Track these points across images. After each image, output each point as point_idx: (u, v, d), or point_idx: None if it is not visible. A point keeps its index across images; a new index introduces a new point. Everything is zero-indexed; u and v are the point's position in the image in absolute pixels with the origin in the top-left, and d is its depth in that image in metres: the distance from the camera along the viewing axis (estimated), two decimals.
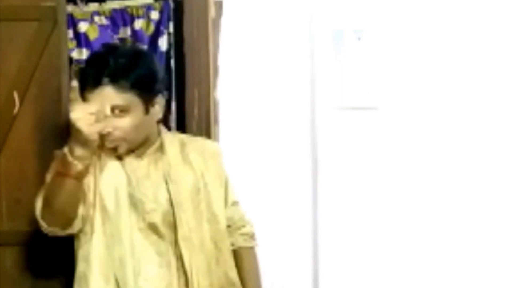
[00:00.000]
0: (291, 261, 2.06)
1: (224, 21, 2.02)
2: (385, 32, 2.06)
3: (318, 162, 2.08)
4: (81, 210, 1.53)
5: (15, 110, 1.85)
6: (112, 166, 1.58)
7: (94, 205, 1.56)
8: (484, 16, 2.05)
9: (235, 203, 1.68)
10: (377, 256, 2.07)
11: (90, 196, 1.56)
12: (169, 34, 2.01)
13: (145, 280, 1.53)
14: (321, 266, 2.06)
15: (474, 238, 2.07)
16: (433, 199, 2.08)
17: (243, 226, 1.68)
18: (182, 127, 1.98)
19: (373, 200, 2.07)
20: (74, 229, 1.54)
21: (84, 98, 1.49)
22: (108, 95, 1.47)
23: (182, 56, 1.94)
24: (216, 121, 1.99)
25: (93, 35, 2.01)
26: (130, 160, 1.58)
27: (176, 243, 1.56)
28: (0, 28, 1.83)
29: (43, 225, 1.53)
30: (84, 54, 2.01)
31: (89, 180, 1.55)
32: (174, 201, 1.57)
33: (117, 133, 1.50)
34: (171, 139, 1.65)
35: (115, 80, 1.48)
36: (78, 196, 1.51)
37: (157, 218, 1.56)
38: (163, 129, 1.66)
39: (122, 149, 1.54)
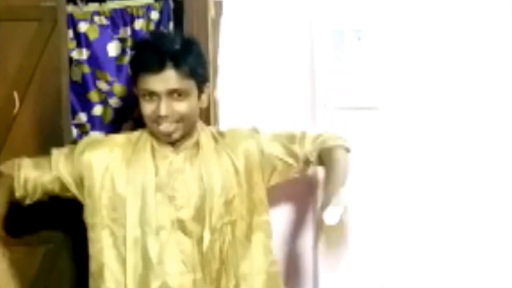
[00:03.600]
0: (291, 263, 2.06)
1: (224, 21, 2.02)
2: (385, 32, 2.06)
3: None
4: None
5: (15, 110, 1.85)
6: (142, 160, 1.58)
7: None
8: (484, 16, 2.05)
9: (281, 137, 1.75)
10: (377, 255, 2.07)
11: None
12: None
13: (168, 275, 1.53)
14: (321, 266, 2.06)
15: (475, 239, 2.07)
16: (433, 199, 2.07)
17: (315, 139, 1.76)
18: None
19: (373, 200, 2.07)
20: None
21: (142, 81, 1.51)
22: (171, 79, 1.49)
23: None
24: (216, 121, 1.99)
25: (93, 35, 2.02)
26: (165, 154, 1.59)
27: (201, 240, 1.56)
28: (0, 28, 1.84)
29: None
30: (84, 54, 2.02)
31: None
32: (207, 198, 1.57)
33: (175, 116, 1.52)
34: (206, 134, 1.66)
35: (178, 64, 1.50)
36: None
37: (187, 214, 1.56)
38: (199, 123, 1.67)
39: (177, 134, 1.55)
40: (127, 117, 2.05)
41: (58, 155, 1.63)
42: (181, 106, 1.52)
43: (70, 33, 2.00)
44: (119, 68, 2.04)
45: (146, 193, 1.56)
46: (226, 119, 2.02)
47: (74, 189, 1.61)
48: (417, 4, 2.06)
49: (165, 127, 1.53)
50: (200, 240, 1.57)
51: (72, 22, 2.00)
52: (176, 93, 1.51)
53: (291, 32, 2.07)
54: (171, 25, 2.02)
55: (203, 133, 1.65)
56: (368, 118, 2.08)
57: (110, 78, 2.03)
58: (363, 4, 2.06)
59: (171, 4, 2.02)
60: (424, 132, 2.08)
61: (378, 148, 2.08)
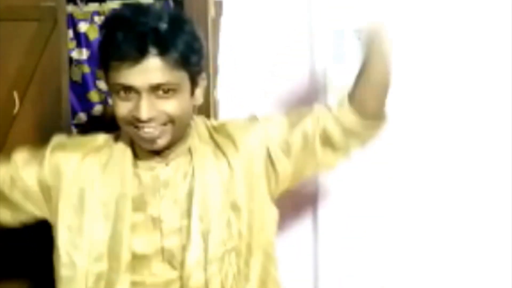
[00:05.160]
0: (291, 263, 2.06)
1: (224, 21, 2.02)
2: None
3: None
4: None
5: (15, 110, 1.86)
6: (118, 171, 1.21)
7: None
8: (485, 17, 2.05)
9: (291, 123, 1.31)
10: (377, 256, 2.07)
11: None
12: None
13: None
14: (320, 266, 2.06)
15: (475, 241, 2.07)
16: (433, 200, 2.07)
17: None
18: None
19: (373, 200, 2.07)
20: None
21: (115, 73, 1.12)
22: (155, 70, 1.11)
23: None
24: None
25: (93, 35, 2.02)
26: (149, 165, 1.24)
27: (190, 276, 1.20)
28: (0, 28, 1.84)
29: None
30: (84, 54, 2.01)
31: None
32: (203, 220, 1.21)
33: (162, 119, 1.15)
34: (200, 134, 1.29)
35: (165, 50, 1.11)
36: None
37: (177, 242, 1.22)
38: (193, 122, 1.30)
39: (163, 141, 1.18)
40: None
41: (21, 152, 1.31)
42: (169, 106, 1.14)
43: (70, 33, 2.00)
44: None
45: (119, 215, 1.19)
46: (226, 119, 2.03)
47: (37, 199, 1.26)
48: (417, 4, 2.06)
49: (147, 132, 1.15)
50: (189, 276, 1.20)
51: (72, 22, 2.00)
52: (161, 89, 1.13)
53: (291, 32, 2.07)
54: None
55: (196, 134, 1.28)
56: None
57: None
58: (363, 4, 2.06)
59: (171, 4, 2.02)
60: (424, 132, 2.08)
61: (378, 148, 2.07)
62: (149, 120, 1.14)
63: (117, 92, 1.15)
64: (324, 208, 2.07)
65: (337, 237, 2.07)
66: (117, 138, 1.29)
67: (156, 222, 1.21)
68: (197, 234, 1.20)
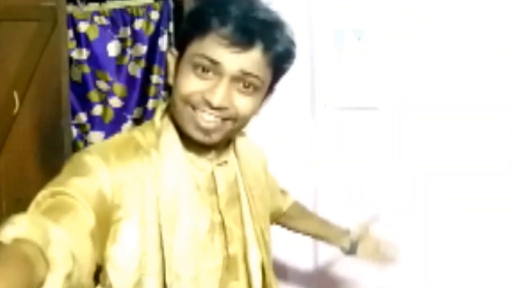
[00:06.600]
0: (291, 264, 2.06)
1: None
2: (385, 32, 2.06)
3: (318, 162, 2.08)
4: None
5: (15, 110, 1.86)
6: (174, 170, 1.03)
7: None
8: (485, 17, 2.05)
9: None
10: None
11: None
12: (169, 34, 2.01)
13: None
14: (320, 267, 2.06)
15: (475, 241, 2.07)
16: (433, 199, 2.07)
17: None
18: None
19: (373, 200, 2.07)
20: None
21: (206, 44, 0.98)
22: (253, 61, 0.99)
23: None
24: None
25: (93, 35, 2.02)
26: (202, 165, 1.08)
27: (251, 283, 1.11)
28: (0, 28, 1.84)
29: None
30: (84, 54, 2.01)
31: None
32: (253, 225, 1.12)
33: (230, 113, 1.01)
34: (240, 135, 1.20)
35: (269, 47, 1.00)
36: None
37: (239, 248, 1.11)
38: None
39: (216, 137, 1.02)
40: (127, 117, 2.05)
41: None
42: (243, 102, 1.02)
43: (70, 33, 2.00)
44: (119, 68, 2.04)
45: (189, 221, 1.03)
46: None
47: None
48: (417, 4, 2.06)
49: (206, 119, 1.00)
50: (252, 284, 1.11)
51: (72, 22, 2.00)
52: (243, 82, 1.00)
53: None
54: (171, 25, 2.02)
55: (240, 136, 1.19)
56: (368, 118, 2.08)
57: (110, 78, 2.03)
58: (363, 4, 2.06)
59: (171, 4, 2.02)
60: (424, 132, 2.08)
61: (378, 148, 2.08)
62: (218, 108, 1.00)
63: (195, 66, 1.00)
64: (324, 209, 2.07)
65: None
66: (149, 139, 1.06)
67: (218, 228, 1.08)
68: (253, 240, 1.13)
